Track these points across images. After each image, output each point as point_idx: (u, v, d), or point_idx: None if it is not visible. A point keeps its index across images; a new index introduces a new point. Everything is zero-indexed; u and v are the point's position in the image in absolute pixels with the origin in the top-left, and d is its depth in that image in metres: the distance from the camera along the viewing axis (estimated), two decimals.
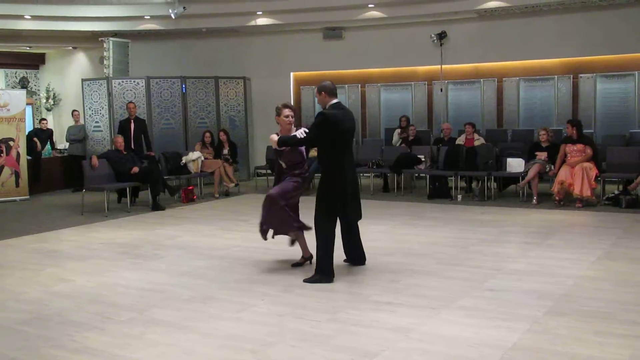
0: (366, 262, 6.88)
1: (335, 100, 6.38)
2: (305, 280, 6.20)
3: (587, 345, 4.39)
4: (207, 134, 13.30)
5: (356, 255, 6.79)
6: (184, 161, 12.65)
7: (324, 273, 6.23)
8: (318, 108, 15.50)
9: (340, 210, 6.32)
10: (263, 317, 5.18)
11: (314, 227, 6.39)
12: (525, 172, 10.68)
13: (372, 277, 6.35)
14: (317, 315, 5.18)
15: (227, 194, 12.87)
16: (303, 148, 6.58)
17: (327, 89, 6.38)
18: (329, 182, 6.28)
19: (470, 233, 8.41)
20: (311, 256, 6.75)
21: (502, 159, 11.25)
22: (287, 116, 6.59)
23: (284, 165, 6.60)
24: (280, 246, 7.03)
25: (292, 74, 16.29)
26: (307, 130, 6.50)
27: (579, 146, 10.34)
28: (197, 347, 4.56)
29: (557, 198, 10.29)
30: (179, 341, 4.70)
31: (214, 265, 7.02)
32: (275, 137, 6.50)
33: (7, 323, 5.24)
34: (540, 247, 7.47)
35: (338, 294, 5.81)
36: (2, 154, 12.84)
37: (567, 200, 10.33)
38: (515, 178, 11.08)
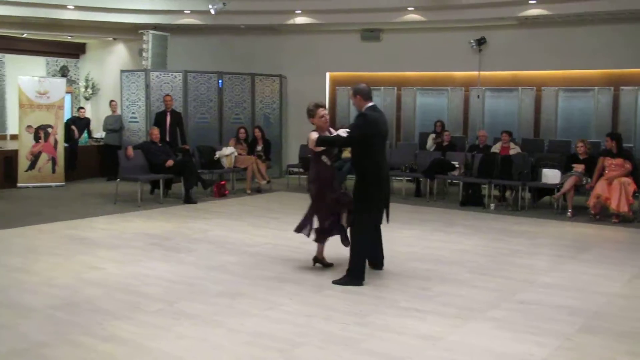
0: (395, 267, 6.84)
1: (370, 104, 6.35)
2: (335, 282, 6.18)
3: None
4: (242, 130, 13.35)
5: (377, 258, 6.72)
6: (217, 156, 12.71)
7: (354, 276, 6.20)
8: (354, 109, 15.45)
9: (376, 212, 6.29)
10: (291, 316, 5.17)
11: (348, 228, 6.39)
12: (561, 184, 10.53)
13: (402, 282, 6.30)
14: (346, 317, 5.16)
15: (259, 190, 12.91)
16: None
17: (363, 93, 6.34)
18: (365, 184, 6.24)
19: (502, 243, 8.31)
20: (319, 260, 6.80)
21: (537, 169, 11.09)
22: (322, 116, 6.54)
23: (328, 162, 6.54)
24: (311, 246, 7.00)
25: (328, 73, 16.27)
26: (349, 131, 6.46)
27: (618, 160, 10.16)
28: (224, 342, 4.57)
29: (593, 212, 10.12)
30: (206, 335, 4.72)
31: (243, 261, 7.04)
32: (315, 136, 6.45)
33: (39, 307, 5.31)
34: (573, 262, 7.35)
35: (367, 297, 5.78)
36: (40, 140, 13.05)
37: (603, 215, 10.16)
38: (550, 189, 10.93)
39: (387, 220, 6.55)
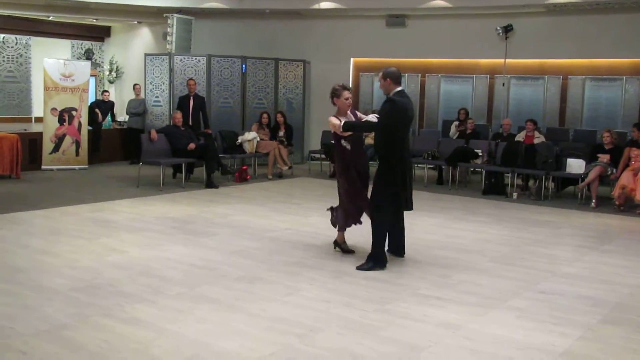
0: (417, 254, 6.82)
1: (399, 88, 6.31)
2: (359, 268, 6.18)
3: None
4: (265, 115, 13.35)
5: (399, 246, 6.69)
6: (239, 141, 12.73)
7: (377, 261, 6.22)
8: (377, 95, 15.45)
9: (400, 198, 6.26)
10: (311, 302, 5.17)
11: (372, 216, 6.37)
12: (586, 174, 10.40)
13: (422, 270, 6.28)
14: (366, 304, 5.14)
15: (280, 176, 12.92)
16: None
17: (394, 76, 6.30)
18: (390, 170, 6.20)
19: (524, 232, 8.24)
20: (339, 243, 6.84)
21: (562, 159, 10.96)
22: (347, 98, 6.51)
23: (349, 146, 6.50)
24: (331, 232, 6.99)
25: (352, 59, 16.17)
26: (377, 116, 6.40)
27: None
28: (244, 327, 4.59)
29: (617, 203, 9.99)
30: (227, 320, 4.73)
31: (264, 247, 7.05)
32: (335, 121, 6.41)
33: (61, 289, 5.36)
34: (596, 252, 7.27)
35: (387, 284, 5.76)
36: (64, 123, 13.15)
37: (627, 206, 10.03)
38: (574, 179, 10.81)
39: (411, 206, 6.50)
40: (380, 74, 6.38)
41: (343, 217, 6.61)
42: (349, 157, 6.52)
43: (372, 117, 6.53)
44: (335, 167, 6.78)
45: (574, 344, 4.42)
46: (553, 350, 4.29)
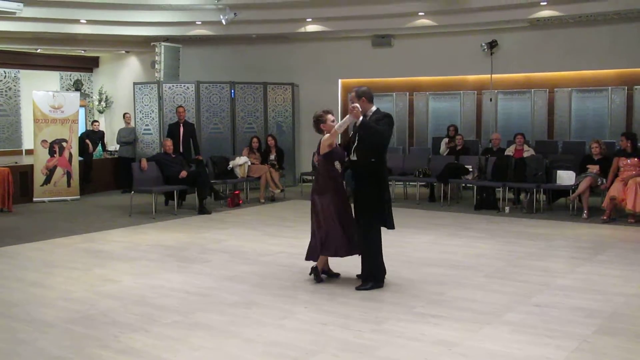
0: (411, 272, 6.84)
1: (374, 107, 6.32)
2: (359, 288, 6.17)
3: None
4: (255, 139, 13.39)
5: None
6: (231, 166, 12.75)
7: (377, 278, 6.24)
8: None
9: (387, 217, 6.29)
10: (306, 325, 5.17)
11: (359, 235, 6.33)
12: (576, 185, 10.46)
13: (417, 288, 6.28)
14: (361, 325, 5.14)
15: (272, 199, 12.93)
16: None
17: (368, 95, 6.29)
18: (376, 188, 6.22)
19: (517, 246, 8.27)
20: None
21: (552, 171, 11.01)
22: (333, 120, 6.48)
23: (340, 169, 6.47)
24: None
25: (340, 80, 16.28)
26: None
27: (633, 160, 10.09)
28: (240, 353, 4.58)
29: (604, 217, 9.98)
30: (222, 346, 4.73)
31: (258, 271, 7.05)
32: (326, 135, 6.33)
33: (55, 321, 5.34)
34: (590, 263, 7.29)
35: (382, 304, 5.77)
36: (55, 155, 13.15)
37: (618, 215, 10.08)
38: (565, 191, 10.86)
39: (393, 226, 6.44)
40: (352, 94, 6.31)
41: (329, 244, 6.39)
42: (340, 184, 6.46)
43: (348, 120, 6.31)
44: (317, 192, 6.46)
45: (570, 356, 4.42)
46: None
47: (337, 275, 6.68)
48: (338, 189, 6.46)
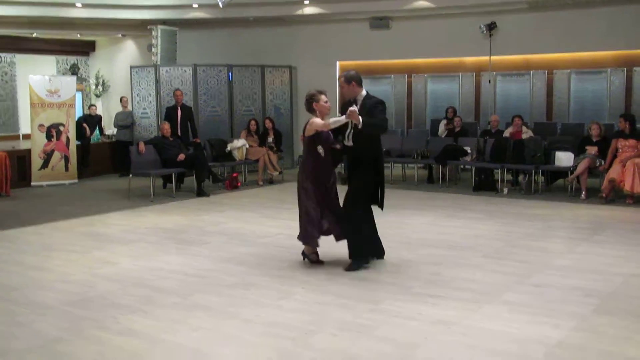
0: (409, 253, 6.85)
1: (364, 91, 6.27)
2: (347, 269, 6.17)
3: (635, 345, 4.28)
4: (253, 122, 13.35)
5: (379, 249, 6.58)
6: (228, 148, 12.72)
7: (363, 256, 6.24)
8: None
9: (380, 198, 6.31)
10: (305, 305, 5.18)
11: (348, 215, 6.24)
12: (575, 167, 10.45)
13: (415, 268, 6.29)
14: (359, 305, 5.15)
15: (271, 181, 12.92)
16: None
17: (358, 79, 6.24)
18: (372, 171, 6.21)
19: (515, 227, 8.27)
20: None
21: (550, 153, 11.00)
22: (326, 101, 6.34)
23: (323, 154, 6.32)
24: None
25: (338, 63, 16.20)
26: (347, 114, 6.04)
27: (632, 141, 10.07)
28: (239, 333, 4.59)
29: (603, 195, 9.99)
30: (221, 326, 4.74)
31: (257, 252, 7.05)
32: (319, 121, 6.18)
33: (54, 303, 5.35)
34: (588, 243, 7.30)
35: (380, 284, 5.78)
36: (52, 139, 13.11)
37: (617, 197, 10.08)
38: (563, 172, 10.85)
39: (382, 207, 6.47)
40: (342, 78, 6.25)
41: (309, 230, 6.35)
42: (320, 166, 6.33)
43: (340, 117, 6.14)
44: (301, 177, 6.39)
45: (568, 335, 4.44)
46: (548, 342, 4.31)
47: (321, 262, 6.50)
48: (317, 176, 6.31)
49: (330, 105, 6.48)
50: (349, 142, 6.30)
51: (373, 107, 6.13)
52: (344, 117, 6.02)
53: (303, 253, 6.54)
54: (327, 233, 6.40)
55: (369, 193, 6.25)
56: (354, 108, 5.94)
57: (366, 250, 6.29)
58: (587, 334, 4.47)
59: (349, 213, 6.22)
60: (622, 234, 7.76)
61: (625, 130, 10.22)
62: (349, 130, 6.25)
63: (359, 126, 5.93)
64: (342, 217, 6.31)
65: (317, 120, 6.23)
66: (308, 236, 6.35)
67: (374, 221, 6.47)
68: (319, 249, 6.47)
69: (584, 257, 6.65)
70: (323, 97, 6.36)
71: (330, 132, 6.29)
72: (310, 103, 6.34)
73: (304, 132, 6.35)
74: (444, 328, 4.61)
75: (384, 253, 6.60)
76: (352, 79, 6.21)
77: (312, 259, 6.48)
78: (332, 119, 6.15)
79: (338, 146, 6.40)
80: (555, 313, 4.89)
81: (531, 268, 6.23)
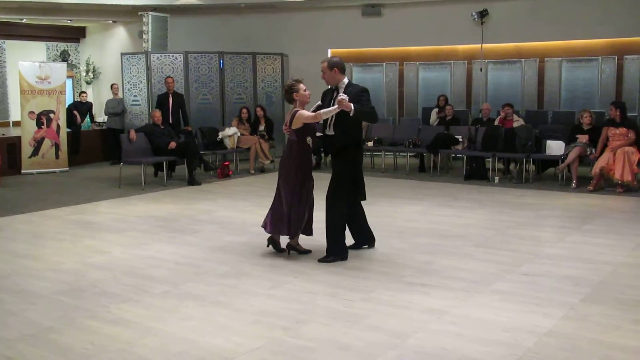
0: (400, 242, 6.86)
1: (346, 79, 6.22)
2: (321, 260, 6.14)
3: (624, 334, 4.31)
4: (244, 110, 13.30)
5: (369, 237, 6.60)
6: (220, 137, 12.68)
7: (339, 252, 6.19)
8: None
9: (361, 189, 6.31)
10: (295, 295, 5.19)
11: (328, 206, 6.19)
12: (565, 155, 10.48)
13: (406, 257, 6.31)
14: (350, 294, 5.17)
15: (262, 170, 12.91)
16: None
17: (340, 66, 6.20)
18: (352, 161, 6.19)
19: (506, 216, 8.30)
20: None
21: (541, 141, 11.02)
22: (305, 90, 6.26)
23: (311, 144, 6.32)
24: (319, 224, 6.95)
25: (329, 50, 16.15)
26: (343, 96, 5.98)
27: (622, 130, 10.10)
28: (230, 322, 4.59)
29: (591, 187, 10.00)
30: (212, 315, 4.74)
31: (248, 241, 7.05)
32: (308, 113, 6.12)
33: (45, 292, 5.34)
34: (578, 232, 7.34)
35: (371, 273, 5.79)
36: (42, 126, 13.04)
37: (607, 185, 10.13)
38: (554, 161, 10.89)
39: (365, 196, 6.46)
40: (325, 63, 6.20)
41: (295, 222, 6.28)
42: (307, 158, 6.31)
43: (342, 98, 5.93)
44: (285, 169, 6.34)
45: (557, 324, 4.47)
46: (538, 331, 4.33)
47: (308, 251, 6.45)
48: (301, 168, 6.25)
49: (311, 94, 6.37)
50: (330, 131, 6.23)
51: (359, 96, 6.04)
52: (335, 106, 5.95)
53: (289, 246, 6.42)
54: (308, 225, 6.35)
55: (351, 182, 6.20)
56: (344, 96, 5.87)
57: (343, 241, 6.23)
58: (577, 322, 4.50)
59: (330, 203, 6.17)
60: (612, 223, 7.80)
61: (616, 119, 10.25)
62: (331, 120, 6.18)
63: (351, 114, 5.88)
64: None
65: (305, 113, 6.15)
66: (296, 229, 6.29)
67: (361, 211, 6.47)
68: (306, 238, 6.45)
69: (574, 246, 6.69)
70: (302, 85, 6.26)
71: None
72: (291, 93, 6.25)
73: (289, 124, 6.22)
74: (435, 317, 4.63)
75: (374, 241, 6.61)
76: (335, 65, 6.17)
77: (300, 250, 6.43)
78: (323, 110, 6.07)
79: (318, 134, 6.38)
80: (545, 302, 4.92)
81: (522, 257, 6.26)
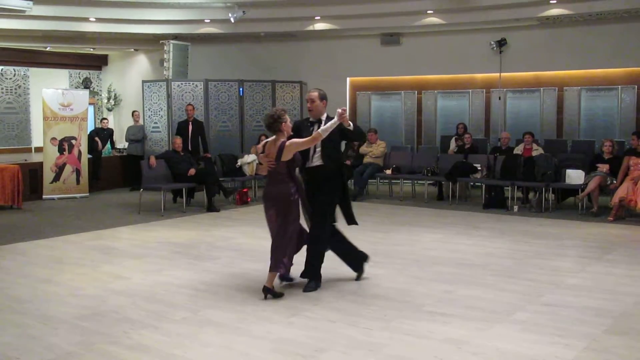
0: (420, 271, 6.84)
1: (326, 113, 6.22)
2: (306, 290, 6.09)
3: None
4: (263, 137, 13.34)
5: (359, 256, 6.51)
6: (239, 163, 12.76)
7: (319, 278, 6.23)
8: (376, 114, 15.65)
9: (351, 214, 6.35)
10: (315, 323, 5.17)
11: (316, 237, 6.16)
12: (585, 184, 10.42)
13: (426, 286, 6.28)
14: (370, 323, 5.15)
15: None
16: None
17: (326, 100, 6.20)
18: (339, 187, 6.21)
19: (526, 245, 8.25)
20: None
21: (561, 170, 10.98)
22: (288, 120, 6.02)
23: (300, 177, 6.19)
24: (331, 253, 6.97)
25: (348, 79, 16.28)
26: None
27: None
28: (249, 350, 4.59)
29: (610, 218, 9.92)
30: (231, 343, 4.74)
31: (266, 268, 6.98)
32: (300, 140, 5.82)
33: (65, 317, 5.36)
34: (599, 262, 7.27)
35: (391, 302, 5.76)
36: (64, 152, 13.20)
37: (628, 215, 10.03)
38: (574, 190, 10.82)
39: (356, 221, 6.43)
40: (316, 93, 6.13)
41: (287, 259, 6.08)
42: (302, 191, 6.13)
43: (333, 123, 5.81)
44: (285, 208, 6.00)
45: (579, 355, 4.41)
46: None
47: (281, 294, 5.98)
48: (296, 201, 6.01)
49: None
50: (317, 162, 6.12)
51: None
52: (335, 120, 5.77)
53: (265, 289, 5.90)
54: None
55: (334, 208, 6.20)
56: (344, 110, 5.76)
57: (319, 269, 6.22)
58: (598, 354, 4.45)
59: (316, 234, 6.13)
60: (634, 254, 7.71)
61: (637, 148, 10.20)
62: (315, 151, 6.08)
63: (350, 128, 5.91)
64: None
65: (298, 140, 5.87)
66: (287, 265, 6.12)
67: (342, 235, 6.40)
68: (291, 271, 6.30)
69: (596, 277, 6.62)
70: (286, 116, 6.02)
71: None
72: (280, 123, 5.90)
73: (277, 158, 5.85)
74: (455, 347, 4.60)
75: (367, 256, 6.56)
76: (324, 97, 6.18)
77: (274, 294, 5.92)
78: (322, 128, 5.83)
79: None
80: (566, 333, 4.86)
81: (542, 287, 6.20)
